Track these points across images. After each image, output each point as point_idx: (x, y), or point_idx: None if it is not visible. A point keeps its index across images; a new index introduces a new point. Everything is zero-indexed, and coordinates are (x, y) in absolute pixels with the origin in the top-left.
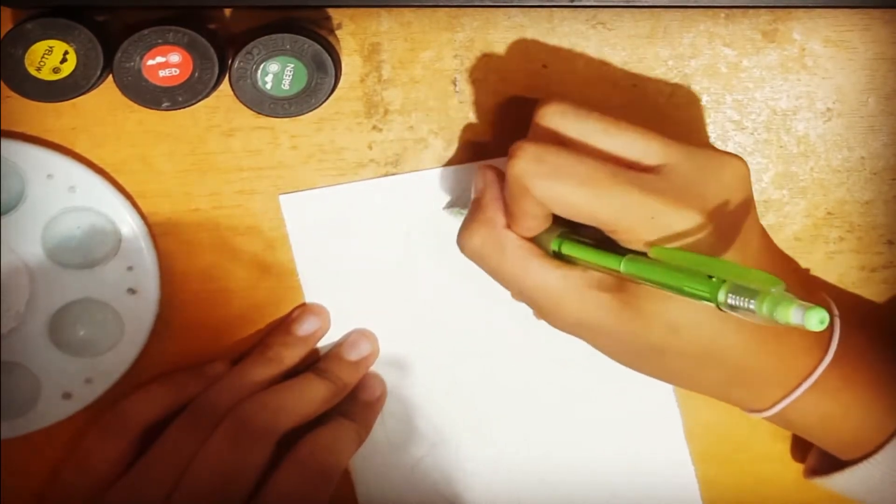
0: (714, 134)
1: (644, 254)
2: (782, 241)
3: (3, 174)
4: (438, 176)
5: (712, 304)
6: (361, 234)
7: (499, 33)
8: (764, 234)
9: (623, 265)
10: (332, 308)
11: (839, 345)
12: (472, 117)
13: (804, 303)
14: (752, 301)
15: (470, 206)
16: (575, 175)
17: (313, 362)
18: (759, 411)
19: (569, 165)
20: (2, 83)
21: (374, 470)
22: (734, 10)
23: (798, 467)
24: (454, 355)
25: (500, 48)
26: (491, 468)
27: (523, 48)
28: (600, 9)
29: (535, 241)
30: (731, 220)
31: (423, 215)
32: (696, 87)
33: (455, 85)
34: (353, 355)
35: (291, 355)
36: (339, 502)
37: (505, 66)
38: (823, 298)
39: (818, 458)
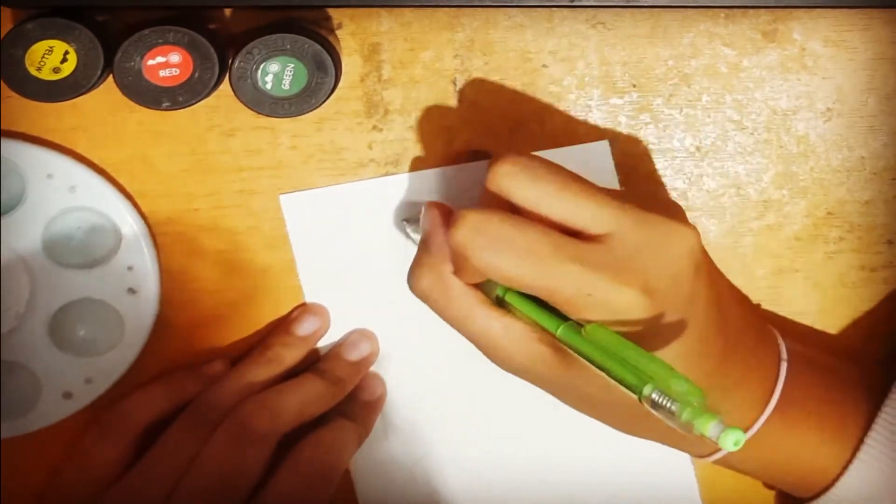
0: (714, 134)
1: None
2: (782, 241)
3: (4, 174)
4: (438, 176)
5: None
6: (362, 234)
7: (499, 33)
8: (712, 302)
9: (560, 332)
10: (332, 308)
11: (784, 392)
12: (471, 117)
13: (722, 420)
14: (674, 404)
15: (418, 245)
16: (514, 248)
17: (313, 362)
18: (702, 457)
19: (508, 238)
20: (2, 83)
21: (374, 470)
22: (734, 10)
23: None
24: (454, 355)
25: (500, 48)
26: (491, 468)
27: (523, 48)
28: (600, 9)
29: (480, 285)
30: (674, 296)
31: None
32: (696, 87)
33: (455, 85)
34: (353, 355)
35: (291, 355)
36: (339, 502)
37: (505, 66)
38: (775, 340)
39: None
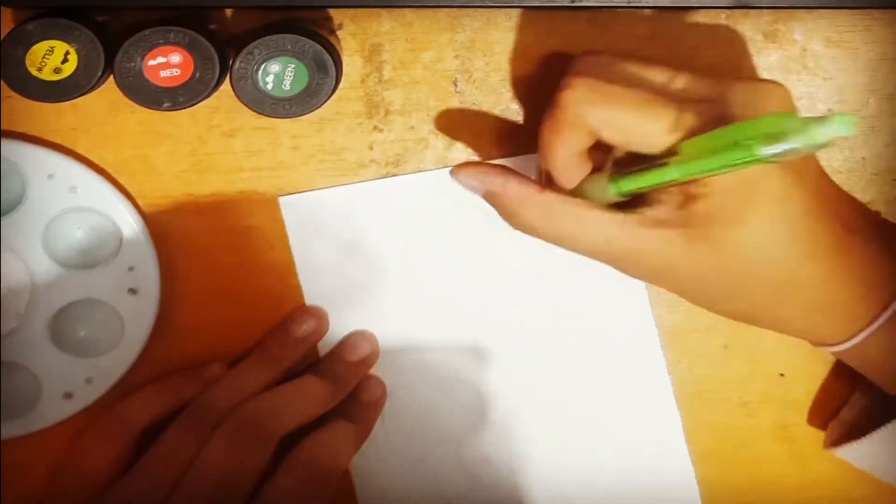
0: None
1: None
2: None
3: (4, 174)
4: (439, 177)
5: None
6: (361, 235)
7: (499, 34)
8: (821, 172)
9: (675, 172)
10: (331, 309)
11: None
12: (472, 118)
13: (828, 115)
14: (786, 144)
15: (491, 200)
16: (628, 99)
17: (313, 364)
18: (835, 344)
19: (623, 92)
20: (3, 83)
21: (375, 470)
22: (735, 10)
23: (796, 469)
24: (454, 356)
25: (500, 48)
26: (491, 468)
27: (524, 48)
28: (600, 9)
29: (586, 197)
30: None
31: (424, 216)
32: None
33: (456, 85)
34: (352, 356)
35: (289, 357)
36: (339, 503)
37: (505, 67)
38: None
39: (839, 429)
